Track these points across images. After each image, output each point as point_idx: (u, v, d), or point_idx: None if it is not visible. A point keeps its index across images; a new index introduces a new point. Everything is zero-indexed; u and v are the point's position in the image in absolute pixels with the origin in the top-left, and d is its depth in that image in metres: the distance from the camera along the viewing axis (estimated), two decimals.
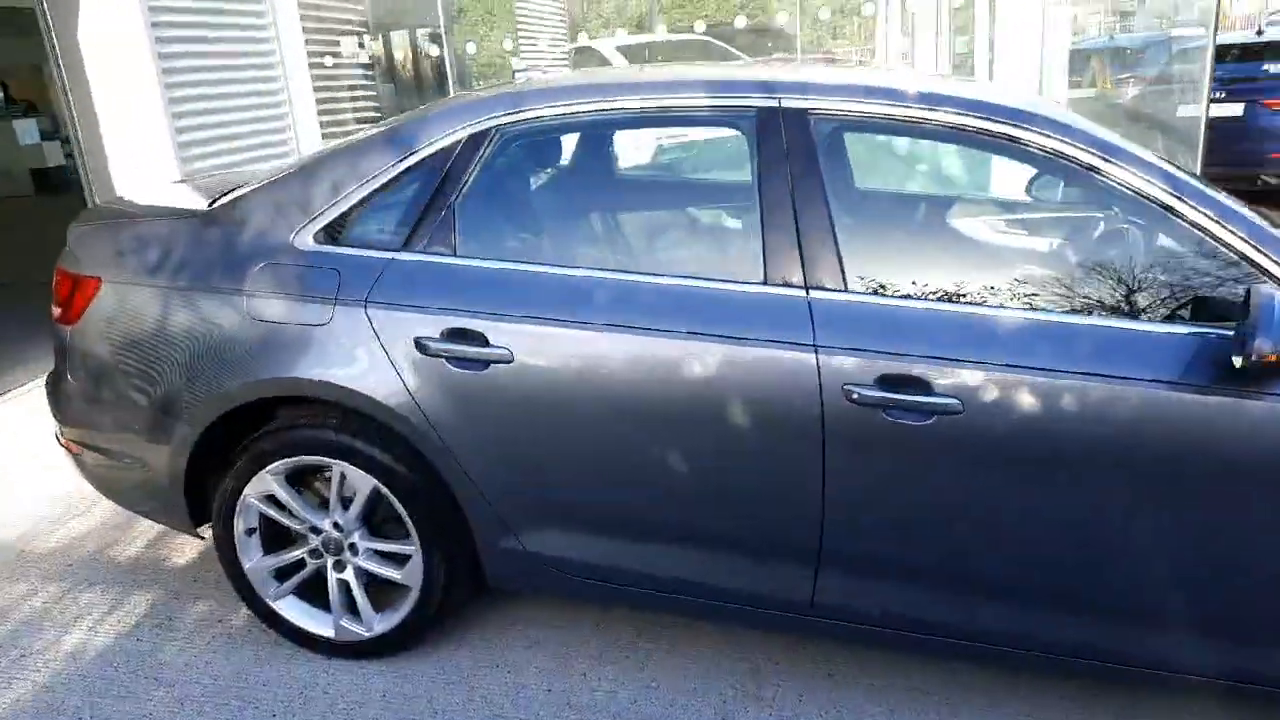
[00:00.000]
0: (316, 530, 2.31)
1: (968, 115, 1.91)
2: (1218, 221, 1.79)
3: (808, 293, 1.91)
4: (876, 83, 2.00)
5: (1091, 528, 1.80)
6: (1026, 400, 1.78)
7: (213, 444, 2.30)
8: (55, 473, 3.53)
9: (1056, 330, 1.80)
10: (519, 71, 2.56)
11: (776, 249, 1.95)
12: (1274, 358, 1.59)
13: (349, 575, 2.33)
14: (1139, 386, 1.73)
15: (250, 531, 2.35)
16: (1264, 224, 1.82)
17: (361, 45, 7.59)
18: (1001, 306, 1.85)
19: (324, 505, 2.32)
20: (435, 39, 7.53)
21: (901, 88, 1.98)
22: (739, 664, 2.33)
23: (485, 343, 2.04)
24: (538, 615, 2.55)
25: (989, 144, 1.92)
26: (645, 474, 2.01)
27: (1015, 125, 1.89)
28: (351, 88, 7.52)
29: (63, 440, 2.54)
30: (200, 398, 2.21)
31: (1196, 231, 1.80)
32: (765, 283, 1.95)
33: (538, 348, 2.01)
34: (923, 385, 1.82)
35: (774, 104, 2.00)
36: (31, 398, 4.39)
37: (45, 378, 2.63)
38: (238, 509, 2.31)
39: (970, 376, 1.80)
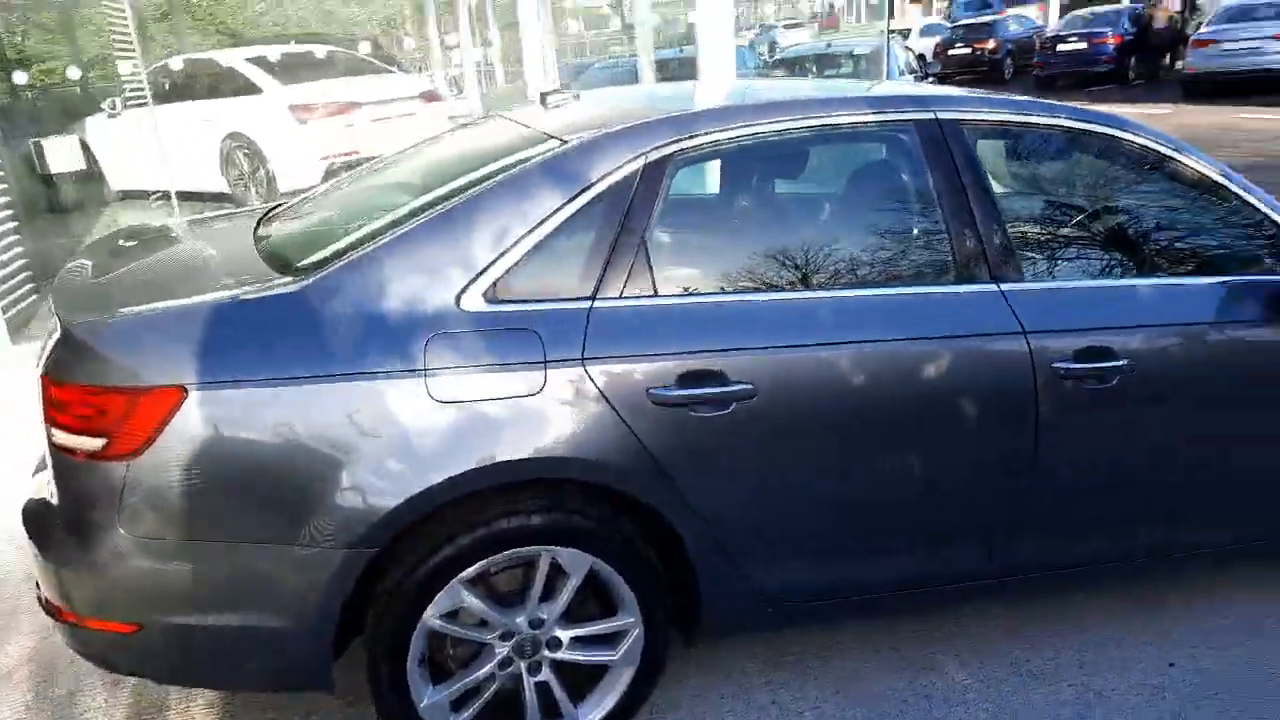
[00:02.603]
0: (507, 635, 1.97)
1: (1078, 122, 2.27)
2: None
3: (998, 285, 2.12)
4: (996, 96, 2.28)
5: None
6: (1176, 351, 2.18)
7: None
8: None
9: (1192, 291, 2.23)
10: (553, 93, 2.21)
11: (962, 249, 2.12)
12: None
13: (545, 675, 2.03)
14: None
15: (423, 660, 1.93)
16: None
17: None
18: (1140, 276, 2.26)
19: (505, 604, 1.98)
20: None
21: (1018, 100, 2.28)
22: (897, 659, 2.48)
23: (726, 381, 1.92)
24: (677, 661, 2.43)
25: (1093, 144, 2.32)
26: (884, 481, 2.07)
27: (1111, 127, 2.28)
28: None
29: (94, 622, 1.81)
30: (377, 509, 1.76)
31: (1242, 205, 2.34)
32: (957, 281, 2.12)
33: (779, 377, 1.95)
34: (1108, 353, 2.13)
35: (930, 116, 2.16)
36: None
37: (35, 542, 1.84)
38: (413, 637, 1.88)
39: (1137, 338, 2.16)
